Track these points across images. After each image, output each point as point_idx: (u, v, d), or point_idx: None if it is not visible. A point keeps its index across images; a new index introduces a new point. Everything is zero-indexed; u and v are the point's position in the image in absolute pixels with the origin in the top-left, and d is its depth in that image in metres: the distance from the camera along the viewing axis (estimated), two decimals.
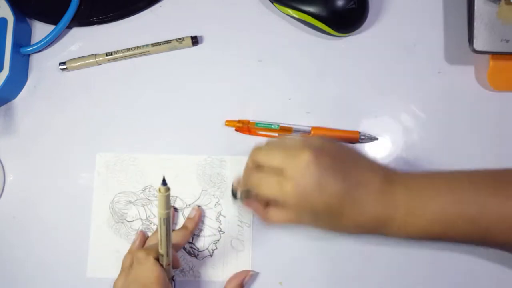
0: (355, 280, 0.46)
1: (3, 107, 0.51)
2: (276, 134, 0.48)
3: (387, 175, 0.38)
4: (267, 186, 0.38)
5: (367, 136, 0.48)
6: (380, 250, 0.47)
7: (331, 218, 0.37)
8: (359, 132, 0.47)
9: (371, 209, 0.36)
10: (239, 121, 0.48)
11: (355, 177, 0.37)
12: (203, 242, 0.48)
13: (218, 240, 0.48)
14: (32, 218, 0.49)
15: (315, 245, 0.47)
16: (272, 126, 0.48)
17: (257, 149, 0.40)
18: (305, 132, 0.48)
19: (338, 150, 0.39)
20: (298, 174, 0.36)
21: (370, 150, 0.48)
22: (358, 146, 0.48)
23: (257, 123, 0.48)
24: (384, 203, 0.36)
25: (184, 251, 0.48)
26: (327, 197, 0.36)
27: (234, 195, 0.43)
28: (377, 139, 0.48)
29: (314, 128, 0.48)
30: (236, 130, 0.49)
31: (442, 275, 0.46)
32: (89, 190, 0.49)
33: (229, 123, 0.49)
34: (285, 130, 0.48)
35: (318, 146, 0.38)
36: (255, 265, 0.47)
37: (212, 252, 0.48)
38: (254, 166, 0.40)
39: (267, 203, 0.40)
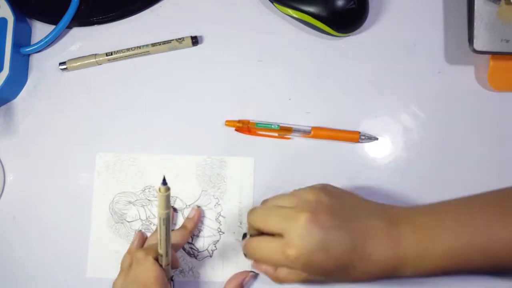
0: None
1: (3, 107, 0.51)
2: (276, 134, 0.48)
3: (391, 217, 0.37)
4: (271, 255, 0.37)
5: (367, 136, 0.48)
6: None
7: (342, 273, 0.36)
8: (359, 132, 0.47)
9: (381, 257, 0.35)
10: (239, 121, 0.48)
11: (359, 227, 0.36)
12: (202, 243, 0.48)
13: (218, 241, 0.48)
14: (32, 218, 0.49)
15: None
16: (272, 126, 0.48)
17: (253, 213, 0.40)
18: (305, 132, 0.48)
19: (335, 201, 0.37)
20: (300, 239, 0.35)
21: (370, 150, 0.48)
22: (358, 146, 0.48)
23: (257, 123, 0.48)
24: (393, 248, 0.35)
25: (184, 252, 0.47)
26: (335, 256, 0.35)
27: (245, 254, 0.42)
28: (377, 139, 0.48)
29: (314, 128, 0.48)
30: (236, 130, 0.49)
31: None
32: (89, 190, 0.49)
33: (229, 123, 0.49)
34: (285, 130, 0.48)
35: (313, 202, 0.37)
36: None
37: (212, 253, 0.48)
38: (254, 232, 0.40)
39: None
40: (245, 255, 0.41)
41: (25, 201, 0.50)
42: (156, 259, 0.40)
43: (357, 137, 0.47)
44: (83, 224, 0.49)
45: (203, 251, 0.48)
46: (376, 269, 0.36)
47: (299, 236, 0.35)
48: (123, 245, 0.47)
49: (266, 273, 0.40)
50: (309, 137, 0.48)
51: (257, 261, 0.40)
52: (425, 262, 0.35)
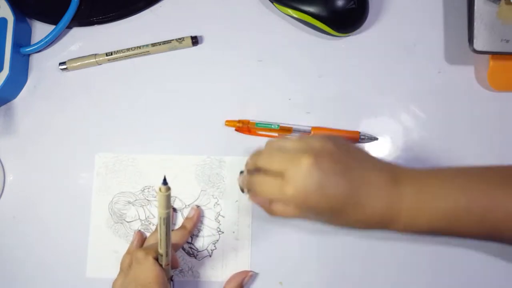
0: (355, 280, 0.46)
1: (3, 107, 0.51)
2: (276, 134, 0.48)
3: (393, 173, 0.38)
4: (269, 190, 0.37)
5: (367, 136, 0.48)
6: (380, 249, 0.46)
7: (334, 217, 0.37)
8: (359, 132, 0.47)
9: (375, 208, 0.36)
10: (239, 121, 0.48)
11: (359, 178, 0.36)
12: (202, 243, 0.48)
13: (217, 241, 0.48)
14: (32, 218, 0.49)
15: (315, 244, 0.47)
16: (272, 126, 0.48)
17: (257, 153, 0.40)
18: (305, 132, 0.48)
19: (340, 150, 0.38)
20: (299, 179, 0.36)
21: (370, 150, 0.48)
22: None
23: (257, 123, 0.48)
24: (390, 202, 0.36)
25: (184, 252, 0.48)
26: (329, 200, 0.36)
27: (241, 189, 0.43)
28: (377, 139, 0.48)
29: (314, 128, 0.48)
30: (236, 130, 0.49)
31: (444, 273, 0.46)
32: (88, 190, 0.49)
33: (229, 123, 0.49)
34: (285, 130, 0.48)
35: (318, 147, 0.37)
36: (255, 265, 0.47)
37: (211, 253, 0.48)
38: (255, 168, 0.40)
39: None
40: (242, 189, 0.42)
41: (25, 201, 0.50)
42: (156, 259, 0.40)
43: (357, 137, 0.47)
44: (83, 224, 0.49)
45: (202, 250, 0.48)
46: (367, 218, 0.36)
47: (299, 176, 0.36)
48: (122, 245, 0.47)
49: (261, 205, 0.41)
50: None
51: (254, 194, 0.40)
52: (419, 219, 0.36)
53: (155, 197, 0.49)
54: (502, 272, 0.46)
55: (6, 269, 0.49)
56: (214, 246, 0.48)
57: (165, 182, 0.33)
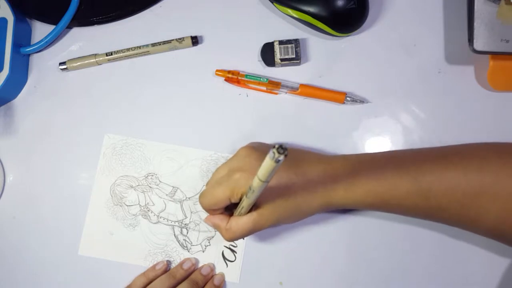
0: (355, 279, 0.47)
1: (3, 107, 0.51)
2: (264, 88, 0.48)
3: (330, 156, 0.43)
4: (223, 191, 0.40)
5: (354, 98, 0.48)
6: (379, 250, 0.47)
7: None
8: (346, 93, 0.48)
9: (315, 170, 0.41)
10: (229, 72, 0.49)
11: (300, 163, 0.41)
12: (197, 237, 0.48)
13: (213, 237, 0.48)
14: (32, 218, 0.49)
15: (315, 244, 0.47)
16: (261, 79, 0.48)
17: (200, 197, 0.42)
18: (293, 89, 0.48)
19: (261, 151, 0.41)
20: (237, 160, 0.40)
21: (370, 150, 0.48)
22: (354, 144, 0.48)
23: (246, 75, 0.48)
24: (327, 174, 0.40)
25: (177, 243, 0.48)
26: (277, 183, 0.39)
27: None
28: (363, 102, 0.48)
29: (302, 85, 0.48)
30: (225, 80, 0.49)
31: (448, 270, 0.46)
32: (89, 191, 0.49)
33: (219, 72, 0.49)
34: (274, 84, 0.48)
35: (241, 161, 0.40)
36: (255, 265, 0.47)
37: (205, 248, 0.48)
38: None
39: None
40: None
41: (25, 201, 0.50)
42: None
43: (342, 97, 0.48)
44: (81, 225, 0.49)
45: (196, 245, 0.48)
46: (312, 200, 0.40)
47: (237, 160, 0.40)
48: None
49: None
50: (297, 94, 0.48)
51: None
52: (352, 194, 0.40)
53: (157, 184, 0.49)
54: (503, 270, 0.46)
55: (6, 270, 0.49)
56: (209, 242, 0.48)
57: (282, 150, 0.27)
